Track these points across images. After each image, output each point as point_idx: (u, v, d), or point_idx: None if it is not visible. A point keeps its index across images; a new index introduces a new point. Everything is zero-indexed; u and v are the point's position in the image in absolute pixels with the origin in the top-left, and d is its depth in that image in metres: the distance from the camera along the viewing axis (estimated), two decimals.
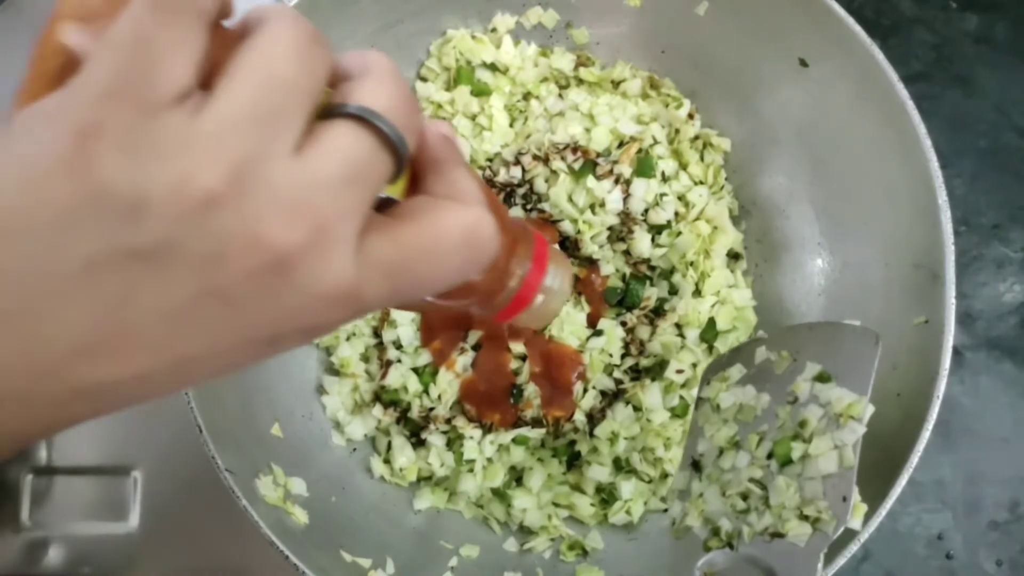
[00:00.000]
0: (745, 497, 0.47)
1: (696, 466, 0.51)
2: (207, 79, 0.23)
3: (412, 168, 0.29)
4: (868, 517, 0.51)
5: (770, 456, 0.48)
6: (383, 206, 0.27)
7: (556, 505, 0.64)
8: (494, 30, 0.69)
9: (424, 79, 0.70)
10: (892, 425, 0.54)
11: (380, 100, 0.25)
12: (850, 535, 0.50)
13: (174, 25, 0.22)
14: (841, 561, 0.51)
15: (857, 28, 0.57)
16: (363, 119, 0.25)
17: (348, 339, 0.66)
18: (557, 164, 0.65)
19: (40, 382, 0.23)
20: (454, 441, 0.64)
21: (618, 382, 0.64)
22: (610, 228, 0.65)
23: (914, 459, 0.52)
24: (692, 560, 0.47)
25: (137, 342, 0.23)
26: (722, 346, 0.64)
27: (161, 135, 0.22)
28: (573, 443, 0.65)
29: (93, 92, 0.22)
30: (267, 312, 0.24)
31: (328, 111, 0.25)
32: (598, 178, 0.65)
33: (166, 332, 0.24)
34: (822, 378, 0.48)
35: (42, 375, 0.23)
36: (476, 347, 0.65)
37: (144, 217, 0.22)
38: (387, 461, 0.65)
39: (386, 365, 0.65)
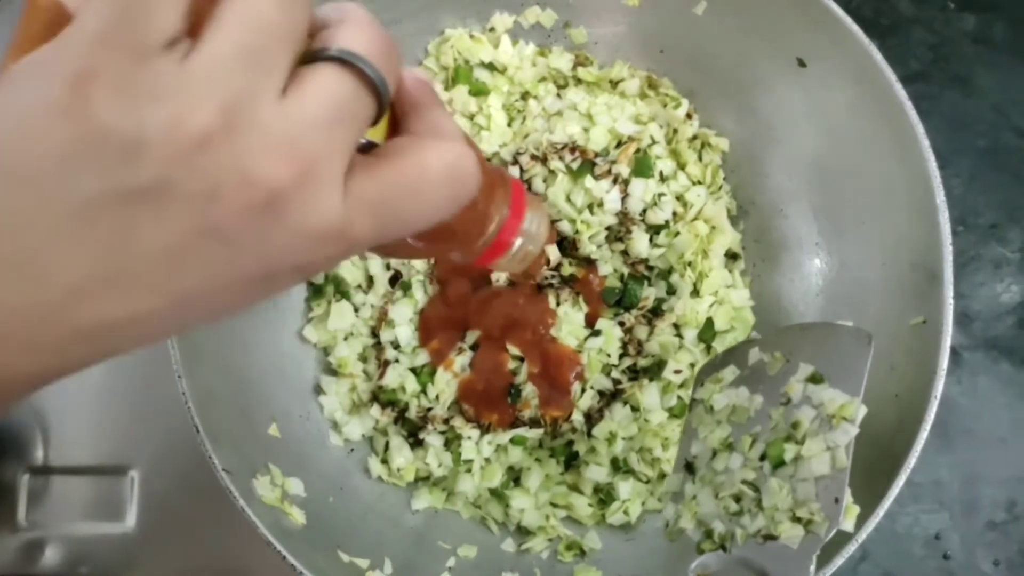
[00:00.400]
0: (738, 499, 0.47)
1: (690, 468, 0.52)
2: (193, 28, 0.24)
3: (392, 113, 0.29)
4: (866, 518, 0.51)
5: (763, 458, 0.48)
6: (366, 150, 0.28)
7: (554, 505, 0.64)
8: (492, 29, 0.69)
9: None
10: (890, 426, 0.54)
11: (360, 43, 0.26)
12: (847, 535, 0.50)
13: None
14: (839, 561, 0.51)
15: (855, 28, 0.57)
16: (345, 62, 0.25)
17: (346, 339, 0.66)
18: (555, 164, 0.65)
19: (42, 323, 0.24)
20: (452, 441, 0.64)
21: (616, 382, 0.64)
22: (608, 228, 0.65)
23: (912, 460, 0.52)
24: (686, 562, 0.47)
25: (135, 281, 0.24)
26: (720, 346, 0.64)
27: (154, 78, 0.23)
28: (571, 443, 0.64)
29: (86, 39, 0.23)
30: (260, 249, 0.25)
31: (310, 56, 0.26)
32: (596, 178, 0.65)
33: (163, 270, 0.24)
34: (815, 379, 0.48)
35: (43, 316, 0.24)
36: (474, 347, 0.65)
37: (140, 157, 0.23)
38: (385, 461, 0.65)
39: (384, 365, 0.64)
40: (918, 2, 0.87)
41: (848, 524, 0.45)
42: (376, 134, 0.29)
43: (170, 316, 0.25)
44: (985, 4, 0.88)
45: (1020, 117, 0.85)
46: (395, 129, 0.29)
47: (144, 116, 0.23)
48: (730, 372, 0.53)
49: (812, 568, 0.44)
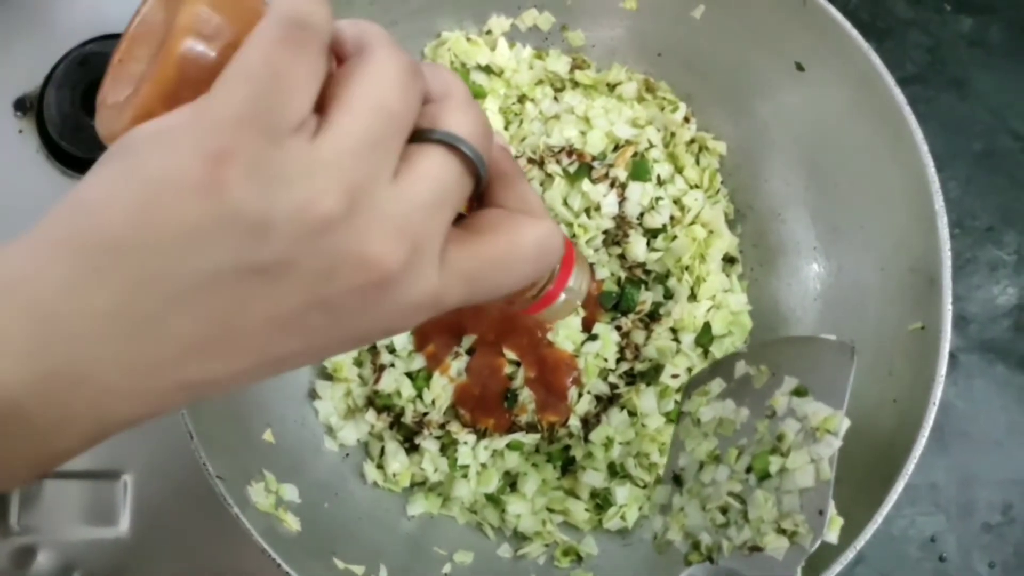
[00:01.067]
0: (725, 511, 0.48)
1: (677, 480, 0.52)
2: (319, 104, 0.25)
3: None
4: (864, 524, 0.50)
5: (749, 470, 0.48)
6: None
7: (550, 511, 0.64)
8: (489, 32, 0.69)
9: None
10: (888, 431, 0.54)
11: (464, 126, 0.27)
12: (844, 543, 0.50)
13: (301, 57, 0.24)
14: (837, 568, 0.50)
15: (854, 32, 0.57)
16: (450, 145, 0.27)
17: None
18: (552, 167, 0.65)
19: (149, 378, 0.25)
20: (448, 446, 0.63)
21: (613, 387, 0.64)
22: (605, 232, 0.65)
23: (910, 466, 0.51)
24: (674, 572, 0.48)
25: (243, 345, 0.26)
26: (717, 351, 0.64)
27: (286, 162, 0.24)
28: (568, 448, 0.64)
29: (225, 118, 0.24)
30: (362, 319, 0.27)
31: (416, 134, 0.27)
32: (593, 182, 0.64)
33: (270, 337, 0.26)
34: (799, 392, 0.49)
35: (151, 373, 0.25)
36: (470, 351, 0.64)
37: (268, 237, 0.24)
38: (380, 467, 0.64)
39: (379, 370, 0.64)
40: (914, 4, 0.88)
41: (832, 536, 0.45)
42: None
43: (264, 372, 0.27)
44: (982, 6, 0.88)
45: (1016, 120, 0.85)
46: (479, 197, 0.31)
47: (276, 198, 0.24)
48: (717, 385, 0.53)
49: None
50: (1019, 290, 0.82)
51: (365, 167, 0.25)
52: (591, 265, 0.65)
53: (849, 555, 0.50)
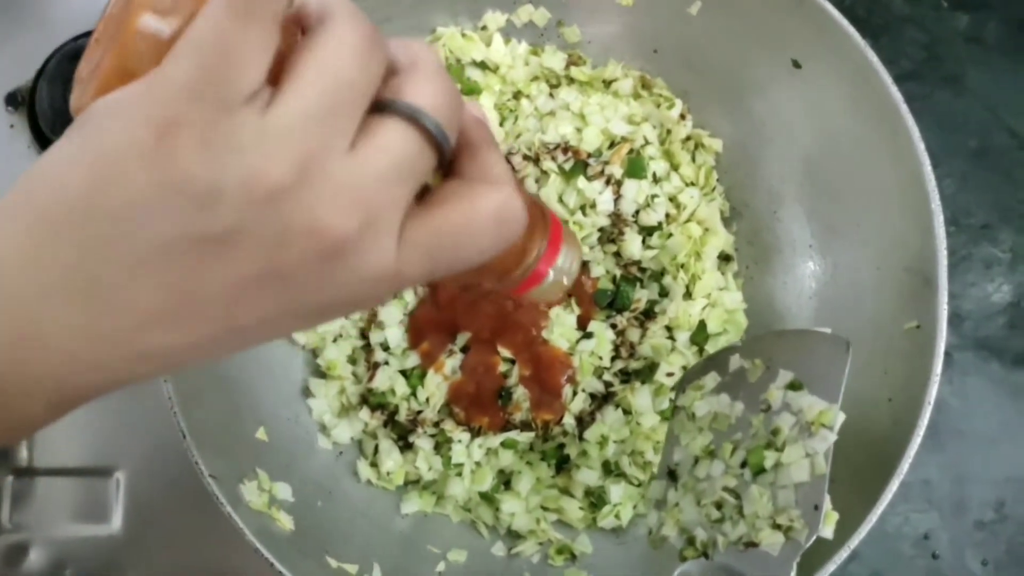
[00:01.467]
0: (720, 506, 0.48)
1: (672, 475, 0.52)
2: (272, 74, 0.25)
3: None
4: (859, 523, 0.51)
5: (744, 465, 0.48)
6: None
7: (544, 509, 0.63)
8: (484, 28, 0.68)
9: None
10: (883, 430, 0.54)
11: (427, 98, 0.27)
12: (838, 542, 0.50)
13: (252, 28, 0.24)
14: (831, 567, 0.50)
15: (851, 29, 0.56)
16: (412, 117, 0.27)
17: (335, 341, 0.65)
18: (548, 164, 0.65)
19: (110, 346, 0.26)
20: (442, 445, 0.63)
21: (608, 385, 0.64)
22: (601, 229, 0.65)
23: (905, 465, 0.52)
24: (668, 569, 0.47)
25: (199, 314, 0.26)
26: (712, 349, 0.64)
27: (236, 131, 0.24)
28: (562, 446, 0.64)
29: (175, 89, 0.24)
30: (319, 289, 0.27)
31: (378, 105, 0.27)
32: (589, 179, 0.64)
33: (226, 306, 0.26)
34: (794, 386, 0.49)
35: (112, 340, 0.26)
36: (465, 349, 0.64)
37: (217, 206, 0.24)
38: (374, 465, 0.64)
39: (373, 367, 0.64)
40: (911, 1, 0.87)
41: (827, 531, 0.45)
42: (431, 175, 0.30)
43: (227, 342, 0.27)
44: (978, 3, 0.88)
45: (1012, 117, 0.85)
46: (448, 167, 0.31)
47: (224, 167, 0.24)
48: (711, 379, 0.53)
49: (792, 575, 0.44)
50: (1014, 287, 0.82)
51: (317, 136, 0.25)
52: (586, 263, 0.65)
53: (843, 554, 0.50)
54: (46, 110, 0.76)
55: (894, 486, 0.51)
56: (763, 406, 0.49)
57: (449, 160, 0.30)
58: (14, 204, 0.26)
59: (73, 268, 0.25)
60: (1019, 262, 0.83)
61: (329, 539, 0.57)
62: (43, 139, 0.77)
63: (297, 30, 0.27)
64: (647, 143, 0.66)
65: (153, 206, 0.24)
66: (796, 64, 0.61)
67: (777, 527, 0.45)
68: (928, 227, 0.54)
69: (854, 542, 0.50)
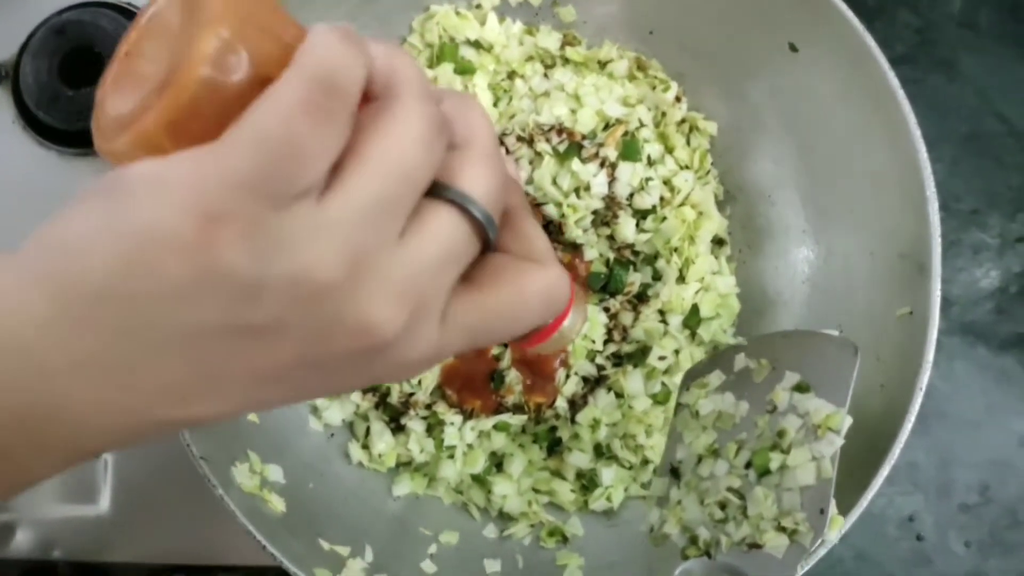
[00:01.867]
0: (723, 506, 0.48)
1: (675, 473, 0.52)
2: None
3: None
4: (848, 509, 0.51)
5: (748, 465, 0.48)
6: None
7: (536, 491, 0.64)
8: (479, 6, 0.67)
9: None
10: (874, 416, 0.54)
11: (480, 186, 0.26)
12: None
13: (325, 128, 0.23)
14: (821, 552, 0.50)
15: (849, 13, 0.56)
16: (462, 206, 0.26)
17: None
18: (542, 146, 0.64)
19: (129, 418, 0.25)
20: (434, 427, 0.63)
21: (600, 368, 0.64)
22: (594, 212, 0.64)
23: (896, 451, 0.52)
24: (670, 567, 0.48)
25: (225, 394, 0.25)
26: (705, 333, 0.64)
27: (287, 226, 0.23)
28: (554, 429, 0.64)
29: (228, 179, 0.22)
30: (356, 376, 0.26)
31: (430, 188, 0.26)
32: (583, 161, 0.64)
33: (255, 387, 0.25)
34: (801, 388, 0.49)
35: (132, 414, 0.25)
36: None
37: (260, 300, 0.23)
38: (366, 447, 0.64)
39: None
40: None
41: (833, 535, 0.45)
42: None
43: (245, 411, 0.27)
44: None
45: (1004, 103, 0.85)
46: None
47: (271, 263, 0.23)
48: (716, 377, 0.52)
49: None
50: (1002, 273, 0.83)
51: (373, 231, 0.24)
52: (579, 245, 0.65)
53: (833, 540, 0.51)
54: (30, 85, 0.74)
55: (884, 472, 0.52)
56: (769, 407, 0.49)
57: None
58: (31, 269, 0.24)
59: (96, 350, 0.24)
60: (1008, 248, 0.83)
61: (321, 521, 0.57)
62: (27, 114, 0.75)
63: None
64: (642, 125, 0.66)
65: (189, 297, 0.23)
66: (793, 48, 0.60)
67: (782, 529, 0.45)
68: (923, 213, 0.54)
69: (844, 527, 0.51)
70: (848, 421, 0.47)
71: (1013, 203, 0.84)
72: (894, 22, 0.86)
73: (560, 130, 0.65)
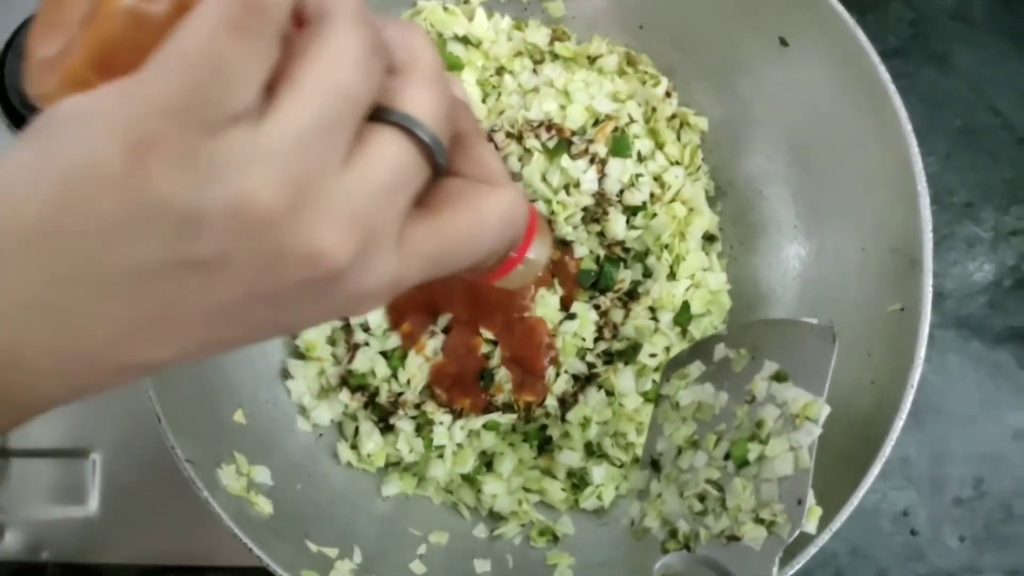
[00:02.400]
0: (702, 498, 0.47)
1: (655, 465, 0.51)
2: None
3: None
4: (840, 505, 0.51)
5: (727, 457, 0.48)
6: None
7: (527, 491, 0.63)
8: (467, 2, 0.67)
9: None
10: (866, 412, 0.54)
11: (424, 106, 0.26)
12: (822, 523, 0.50)
13: (251, 45, 0.22)
14: (812, 551, 0.51)
15: (839, 7, 0.56)
16: (407, 129, 0.25)
17: None
18: (531, 142, 0.64)
19: (82, 364, 0.25)
20: (423, 426, 0.63)
21: (591, 366, 0.64)
22: (584, 209, 0.64)
23: (887, 447, 0.52)
24: (650, 561, 0.47)
25: (179, 333, 0.25)
26: (696, 330, 0.64)
27: (221, 151, 0.22)
28: (544, 428, 0.64)
29: (155, 104, 0.22)
30: (312, 308, 0.26)
31: (373, 112, 0.25)
32: (573, 157, 0.63)
33: (209, 325, 0.25)
34: (779, 377, 0.48)
35: (84, 360, 0.24)
36: (446, 330, 0.64)
37: (200, 232, 0.22)
38: (354, 447, 0.64)
39: (353, 348, 0.63)
40: None
41: (810, 526, 0.45)
42: None
43: (210, 351, 0.26)
44: None
45: (997, 96, 0.85)
46: None
47: (207, 192, 0.22)
48: (696, 368, 0.52)
49: (775, 570, 0.44)
50: (996, 267, 0.83)
51: (313, 155, 0.23)
52: (569, 243, 0.64)
53: (825, 537, 0.50)
54: (16, 84, 0.74)
55: (876, 469, 0.51)
56: (748, 397, 0.49)
57: None
58: None
59: (39, 294, 0.23)
60: (1001, 241, 0.83)
61: (309, 522, 0.57)
62: (13, 112, 0.75)
63: (291, 23, 0.25)
64: (632, 121, 0.66)
65: (125, 232, 0.22)
66: (783, 42, 0.60)
67: (760, 521, 0.45)
68: (914, 208, 0.54)
69: (836, 524, 0.51)
70: (826, 410, 0.46)
71: (1007, 196, 0.84)
72: (887, 15, 0.86)
73: (549, 126, 0.64)
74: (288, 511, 0.56)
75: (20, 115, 0.74)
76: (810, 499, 0.44)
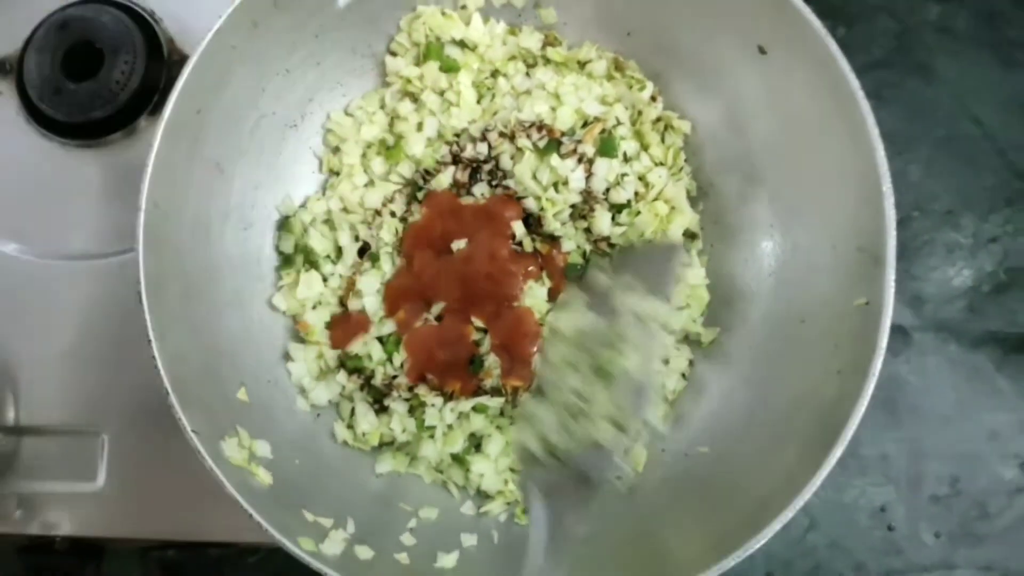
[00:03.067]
0: (572, 413, 0.51)
1: (539, 391, 0.54)
2: None
3: None
4: (803, 485, 0.53)
5: (594, 372, 0.51)
6: None
7: (512, 471, 0.66)
8: (464, 7, 0.70)
9: (394, 53, 0.70)
10: (831, 400, 0.56)
11: None
12: (786, 500, 0.53)
13: None
14: (777, 526, 0.53)
15: (813, 18, 0.58)
16: None
17: (314, 308, 0.67)
18: (523, 142, 0.66)
19: None
20: (416, 408, 0.65)
21: None
22: (572, 206, 0.67)
23: (849, 432, 0.54)
24: (529, 479, 0.51)
25: None
26: (675, 323, 0.66)
27: None
28: None
29: None
30: None
31: None
32: (562, 157, 0.66)
33: None
34: (635, 291, 0.52)
35: None
36: (439, 318, 0.66)
37: None
38: (350, 426, 0.66)
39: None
40: None
41: (654, 419, 0.48)
42: None
43: None
44: None
45: (979, 106, 0.87)
46: None
47: None
48: (577, 297, 0.55)
49: (620, 463, 0.48)
50: (974, 272, 0.84)
51: None
52: (557, 238, 0.67)
53: (789, 514, 0.53)
54: (34, 78, 0.77)
55: (839, 451, 0.53)
56: (614, 315, 0.52)
57: None
58: None
59: None
60: (980, 248, 0.84)
61: (306, 494, 0.59)
62: (31, 106, 0.78)
63: None
64: (619, 123, 0.68)
65: None
66: (762, 51, 0.62)
67: (616, 425, 0.49)
68: (879, 209, 0.56)
69: (800, 502, 0.53)
70: (678, 316, 0.50)
71: (987, 204, 0.85)
72: (873, 27, 0.88)
73: (540, 127, 0.67)
74: (286, 483, 0.58)
75: (37, 109, 0.77)
76: (655, 397, 0.48)
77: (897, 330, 0.82)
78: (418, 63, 0.69)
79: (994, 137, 0.86)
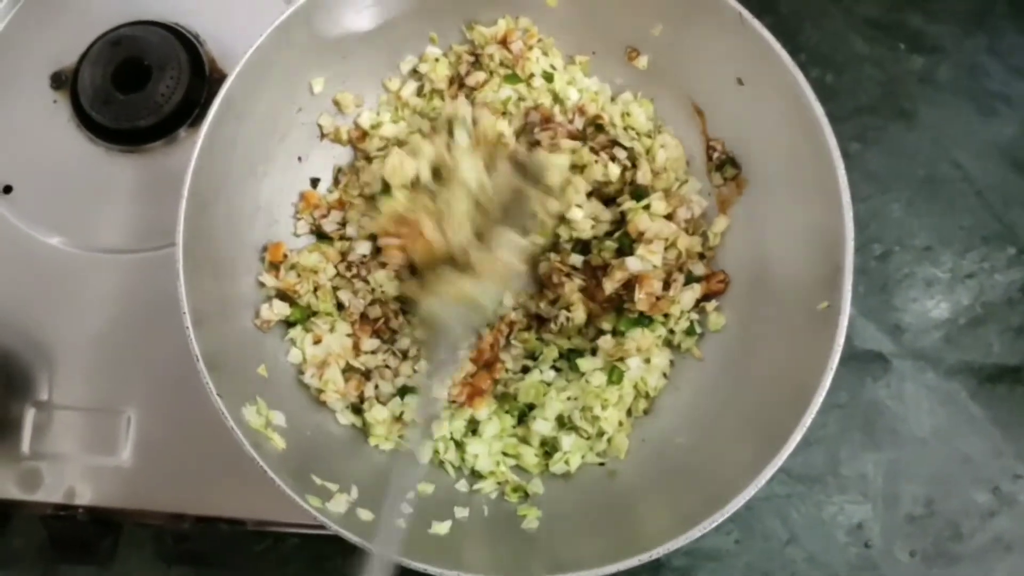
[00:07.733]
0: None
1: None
2: None
3: None
4: (756, 473, 0.57)
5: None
6: None
7: (505, 455, 0.70)
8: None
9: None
10: (791, 393, 0.60)
11: None
12: (746, 481, 0.57)
13: None
14: (741, 501, 0.57)
15: (784, 55, 0.64)
16: None
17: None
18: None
19: None
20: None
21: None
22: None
23: (808, 418, 0.58)
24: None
25: None
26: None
27: None
28: (531, 407, 0.72)
29: None
30: None
31: None
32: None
33: None
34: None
35: None
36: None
37: None
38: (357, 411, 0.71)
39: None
40: (871, 42, 0.94)
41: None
42: None
43: None
44: (932, 47, 0.94)
45: (958, 150, 0.91)
46: None
47: None
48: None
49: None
50: (951, 305, 0.87)
51: None
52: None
53: (751, 492, 0.57)
54: (87, 88, 0.83)
55: (798, 436, 0.58)
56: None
57: None
58: None
59: None
60: (957, 283, 0.88)
61: (315, 461, 0.63)
62: (82, 113, 0.84)
63: None
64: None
65: None
66: (740, 82, 0.69)
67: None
68: (840, 222, 0.61)
69: (761, 481, 0.57)
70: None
71: (964, 242, 0.89)
72: (860, 75, 0.93)
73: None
74: (298, 450, 0.63)
75: (88, 116, 0.83)
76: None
77: (877, 357, 0.85)
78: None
79: (972, 179, 0.90)
